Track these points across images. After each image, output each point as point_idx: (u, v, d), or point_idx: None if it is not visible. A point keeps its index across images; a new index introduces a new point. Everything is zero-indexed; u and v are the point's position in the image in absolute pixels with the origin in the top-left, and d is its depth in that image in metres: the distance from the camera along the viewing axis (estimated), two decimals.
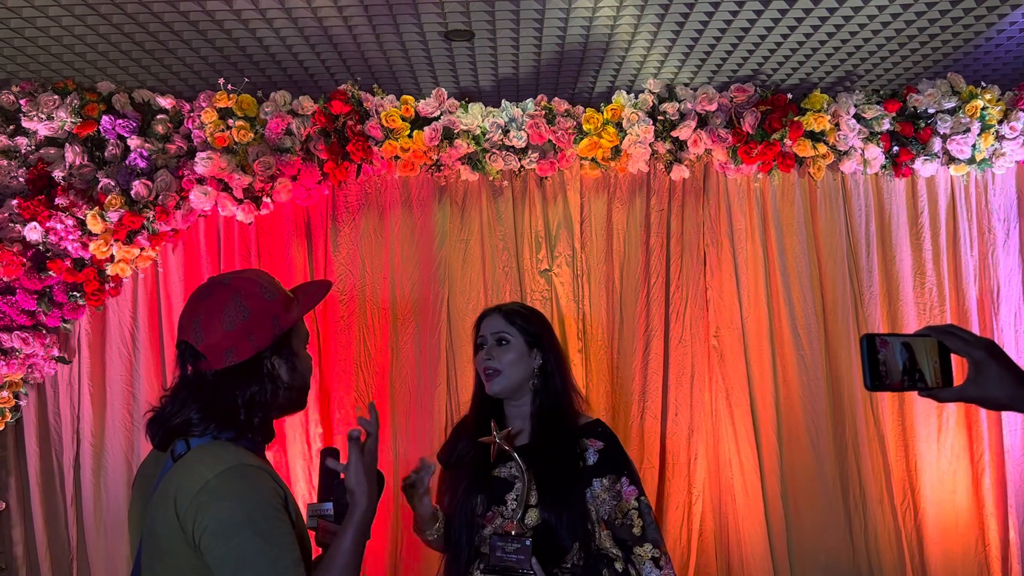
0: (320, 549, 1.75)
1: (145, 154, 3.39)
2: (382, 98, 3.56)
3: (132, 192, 3.36)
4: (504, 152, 3.62)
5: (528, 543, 1.92)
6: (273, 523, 1.45)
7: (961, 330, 1.26)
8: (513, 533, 1.94)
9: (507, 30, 3.09)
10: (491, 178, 3.73)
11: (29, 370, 3.50)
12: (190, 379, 1.60)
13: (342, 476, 1.77)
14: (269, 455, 3.64)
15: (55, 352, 3.55)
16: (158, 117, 3.47)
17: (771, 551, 3.78)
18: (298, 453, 3.67)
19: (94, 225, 3.32)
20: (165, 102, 3.48)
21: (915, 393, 1.26)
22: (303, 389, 1.71)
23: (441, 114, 3.58)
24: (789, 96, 3.65)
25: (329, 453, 1.86)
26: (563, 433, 2.12)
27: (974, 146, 3.76)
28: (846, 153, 3.75)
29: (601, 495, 2.05)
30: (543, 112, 3.61)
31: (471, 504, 2.10)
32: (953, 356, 1.27)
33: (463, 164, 3.66)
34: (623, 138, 3.63)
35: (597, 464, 2.08)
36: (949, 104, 3.72)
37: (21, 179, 3.38)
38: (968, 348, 1.24)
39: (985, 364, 1.22)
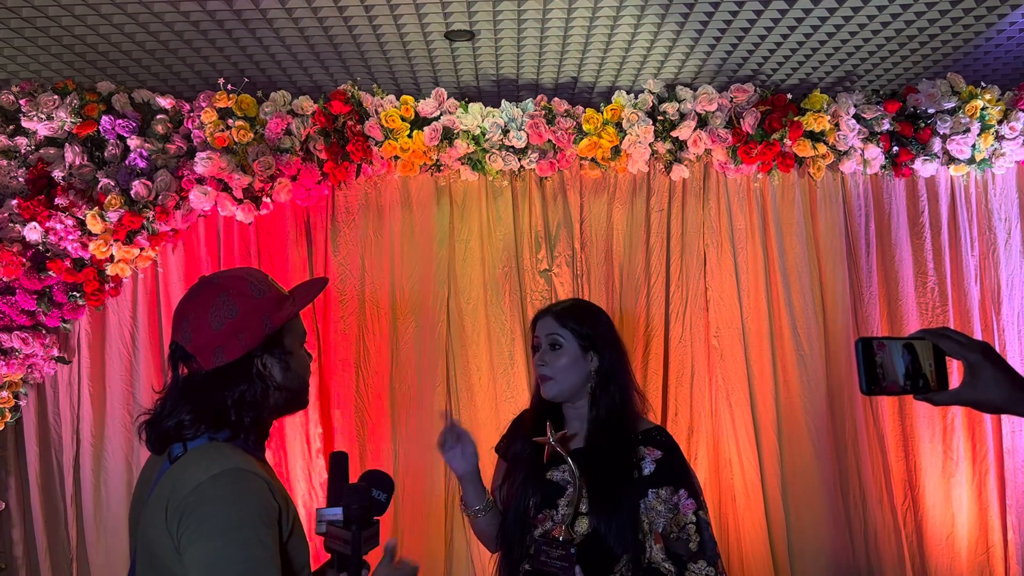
0: (328, 555, 1.70)
1: (145, 154, 3.39)
2: (382, 98, 3.56)
3: (132, 192, 3.37)
4: (504, 152, 3.62)
5: (573, 551, 1.86)
6: (256, 532, 1.41)
7: (956, 332, 1.25)
8: (561, 539, 1.89)
9: (507, 30, 3.09)
10: (491, 178, 3.72)
11: (29, 370, 3.50)
12: (182, 380, 1.58)
13: (352, 480, 1.74)
14: (268, 455, 3.66)
15: (55, 352, 3.55)
16: (158, 117, 3.47)
17: (771, 551, 3.77)
18: (298, 453, 3.67)
19: (94, 225, 3.32)
20: (165, 102, 3.48)
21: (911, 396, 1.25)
22: (299, 389, 1.67)
23: (441, 114, 3.57)
24: (789, 96, 3.65)
25: (339, 458, 1.82)
26: (619, 439, 2.03)
27: (974, 146, 3.76)
28: (846, 153, 3.75)
29: (656, 506, 1.96)
30: (543, 112, 3.61)
31: (524, 503, 2.05)
32: (948, 359, 1.26)
33: (463, 164, 3.66)
34: (623, 138, 3.63)
35: (654, 474, 1.99)
36: (949, 104, 3.71)
37: (21, 179, 3.38)
38: (963, 351, 1.23)
39: (980, 367, 1.21)
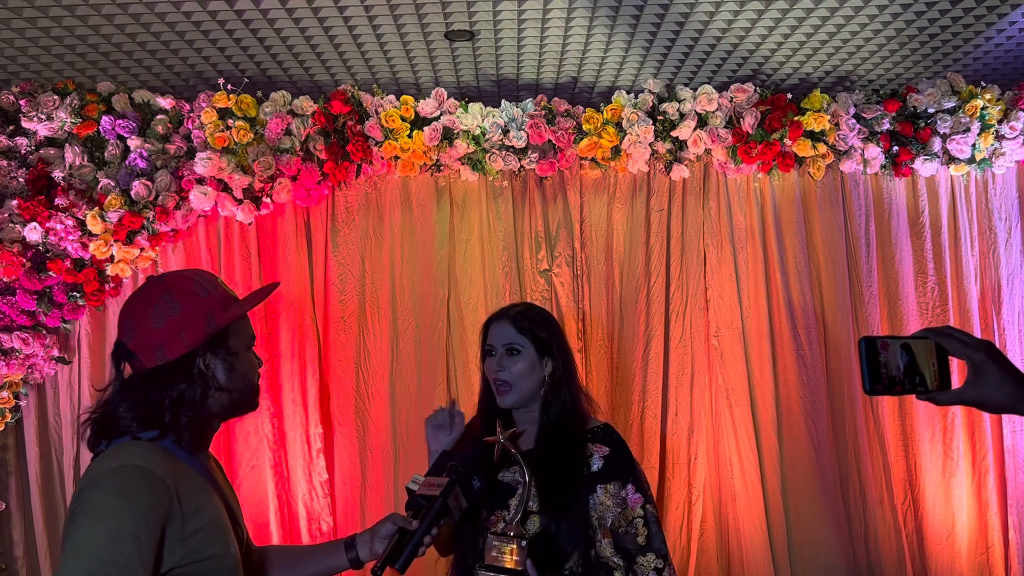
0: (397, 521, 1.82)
1: (145, 154, 3.39)
2: (382, 98, 3.56)
3: (132, 192, 3.37)
4: (504, 152, 3.62)
5: (524, 544, 1.87)
6: (133, 527, 1.38)
7: (959, 332, 1.24)
8: (512, 534, 1.91)
9: (507, 30, 3.09)
10: (491, 178, 3.72)
11: (29, 370, 3.50)
12: (124, 379, 1.58)
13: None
14: (268, 455, 3.66)
15: (55, 352, 3.55)
16: (158, 117, 3.47)
17: (771, 551, 3.77)
18: (298, 453, 3.66)
19: (94, 225, 3.32)
20: (165, 102, 3.48)
21: (913, 395, 1.24)
22: (246, 391, 1.66)
23: (441, 114, 3.57)
24: (789, 96, 3.65)
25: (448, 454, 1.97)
26: (568, 439, 2.07)
27: (974, 146, 3.76)
28: (846, 153, 3.75)
29: (605, 502, 2.00)
30: (543, 112, 3.61)
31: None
32: (951, 358, 1.26)
33: (463, 164, 3.66)
34: (623, 138, 3.63)
35: (602, 470, 2.02)
36: (949, 104, 3.72)
37: (21, 179, 3.38)
38: (967, 350, 1.22)
39: (984, 366, 1.20)
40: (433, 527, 1.77)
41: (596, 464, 2.04)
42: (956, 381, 1.24)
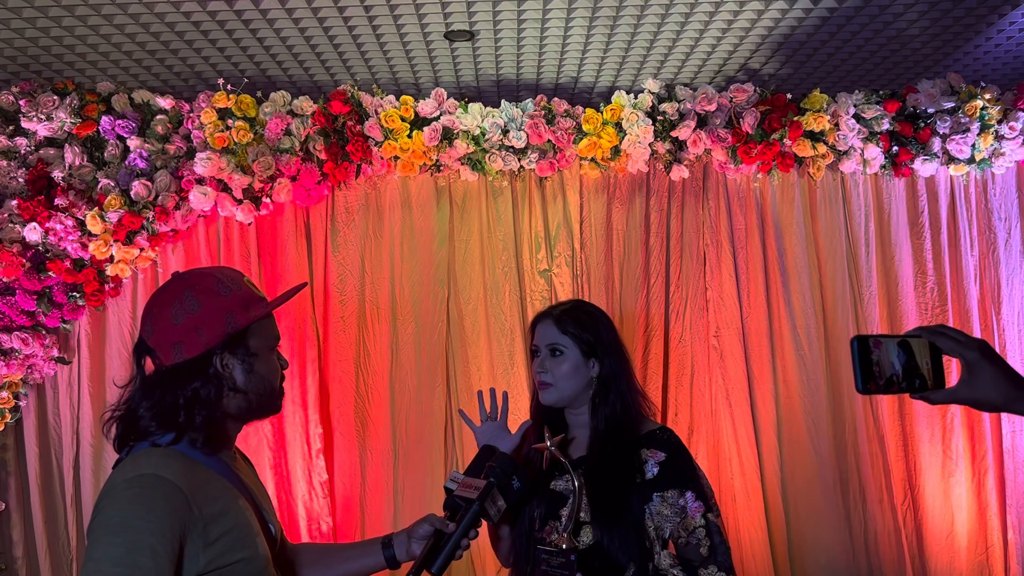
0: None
1: (145, 155, 3.40)
2: (381, 98, 3.56)
3: (132, 192, 3.37)
4: (504, 152, 3.62)
5: (573, 558, 1.81)
6: (151, 540, 1.36)
7: (953, 330, 1.24)
8: (564, 547, 1.84)
9: (507, 30, 3.09)
10: (491, 178, 3.72)
11: (29, 370, 3.50)
12: (144, 377, 1.56)
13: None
14: (268, 455, 3.65)
15: (55, 352, 3.55)
16: (157, 117, 3.47)
17: (771, 551, 3.77)
18: (298, 453, 3.66)
19: (94, 226, 3.32)
20: (164, 103, 3.48)
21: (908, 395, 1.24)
22: (265, 393, 1.62)
23: (440, 114, 3.58)
24: (789, 96, 3.64)
25: (491, 450, 1.95)
26: (621, 444, 1.96)
27: (973, 146, 3.76)
28: (846, 153, 3.75)
29: (662, 511, 1.88)
30: (543, 112, 3.61)
31: (529, 516, 2.00)
32: (946, 357, 1.25)
33: (463, 164, 3.66)
34: (623, 138, 3.63)
35: (657, 477, 1.90)
36: (948, 104, 3.71)
37: (21, 179, 3.38)
38: (961, 349, 1.22)
39: (979, 365, 1.20)
40: (471, 530, 1.74)
41: (651, 471, 1.92)
42: (951, 380, 1.24)
